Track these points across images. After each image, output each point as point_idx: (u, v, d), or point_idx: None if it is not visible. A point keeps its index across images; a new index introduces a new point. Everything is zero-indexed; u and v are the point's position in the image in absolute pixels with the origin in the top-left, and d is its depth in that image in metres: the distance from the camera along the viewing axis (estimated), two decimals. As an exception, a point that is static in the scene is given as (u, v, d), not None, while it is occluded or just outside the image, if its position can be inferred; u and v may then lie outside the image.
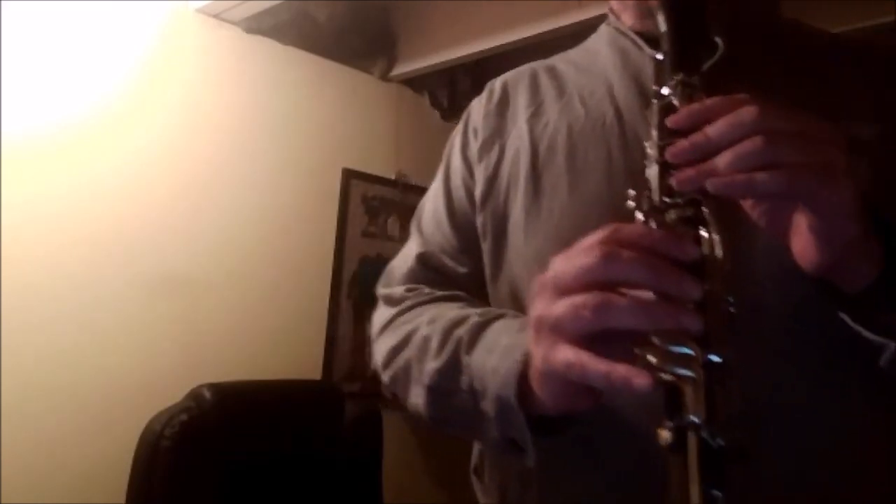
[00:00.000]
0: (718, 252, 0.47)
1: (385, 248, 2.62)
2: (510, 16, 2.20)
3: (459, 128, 0.84)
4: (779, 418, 0.57)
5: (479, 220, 0.76)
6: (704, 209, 0.48)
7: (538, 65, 0.83)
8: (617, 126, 0.69)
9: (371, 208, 2.59)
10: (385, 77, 2.64)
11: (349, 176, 2.53)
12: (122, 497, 1.64)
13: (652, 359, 0.44)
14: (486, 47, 2.29)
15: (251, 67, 2.31)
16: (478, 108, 0.82)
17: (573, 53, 0.82)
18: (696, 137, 0.48)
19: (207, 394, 1.73)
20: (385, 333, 0.77)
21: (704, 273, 0.46)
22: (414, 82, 2.73)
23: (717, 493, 0.42)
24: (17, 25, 1.85)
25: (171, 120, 2.11)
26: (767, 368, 0.57)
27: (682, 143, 0.49)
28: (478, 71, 2.83)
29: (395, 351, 0.73)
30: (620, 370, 0.44)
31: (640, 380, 0.43)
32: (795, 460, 0.57)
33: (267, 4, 2.15)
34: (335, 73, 2.52)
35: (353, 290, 2.51)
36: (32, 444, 1.82)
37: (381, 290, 0.84)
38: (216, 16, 2.21)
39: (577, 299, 0.46)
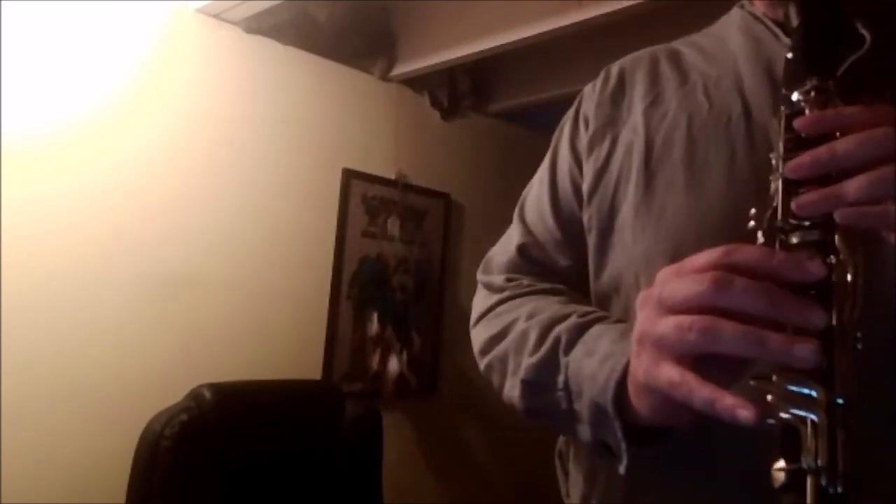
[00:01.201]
0: (849, 281, 0.42)
1: (385, 248, 2.62)
2: (510, 16, 2.20)
3: (570, 114, 0.79)
4: (891, 467, 0.51)
5: (585, 215, 0.72)
6: (835, 234, 0.43)
7: (660, 49, 0.76)
8: (744, 123, 0.63)
9: (371, 208, 2.59)
10: (385, 77, 2.64)
11: (349, 176, 2.53)
12: (122, 497, 1.64)
13: (769, 396, 0.42)
14: (486, 47, 2.29)
15: (251, 67, 2.31)
16: (590, 95, 0.77)
17: (699, 37, 0.75)
18: (821, 152, 0.44)
19: (207, 394, 1.73)
20: (483, 322, 0.76)
21: (831, 302, 0.42)
22: (414, 82, 2.73)
23: None
24: (17, 25, 1.85)
25: (171, 120, 2.11)
26: (887, 412, 0.52)
27: (804, 158, 0.44)
28: (478, 71, 2.84)
29: (494, 341, 0.72)
30: (727, 399, 0.42)
31: (746, 412, 0.41)
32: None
33: (267, 4, 2.15)
34: (335, 73, 2.52)
35: (353, 290, 2.51)
36: (32, 444, 1.82)
37: (481, 277, 0.82)
38: (216, 16, 2.21)
39: (684, 320, 0.44)
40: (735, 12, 0.73)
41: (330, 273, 2.46)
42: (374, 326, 2.55)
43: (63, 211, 1.91)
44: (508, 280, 0.77)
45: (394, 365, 2.56)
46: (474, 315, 0.79)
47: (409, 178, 2.68)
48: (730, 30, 0.71)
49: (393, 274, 2.63)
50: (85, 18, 1.97)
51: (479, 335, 0.76)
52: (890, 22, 0.58)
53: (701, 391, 0.43)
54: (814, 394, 0.41)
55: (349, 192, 2.52)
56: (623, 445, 0.54)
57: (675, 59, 0.73)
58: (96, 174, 1.97)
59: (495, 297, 0.76)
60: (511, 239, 0.81)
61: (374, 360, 2.54)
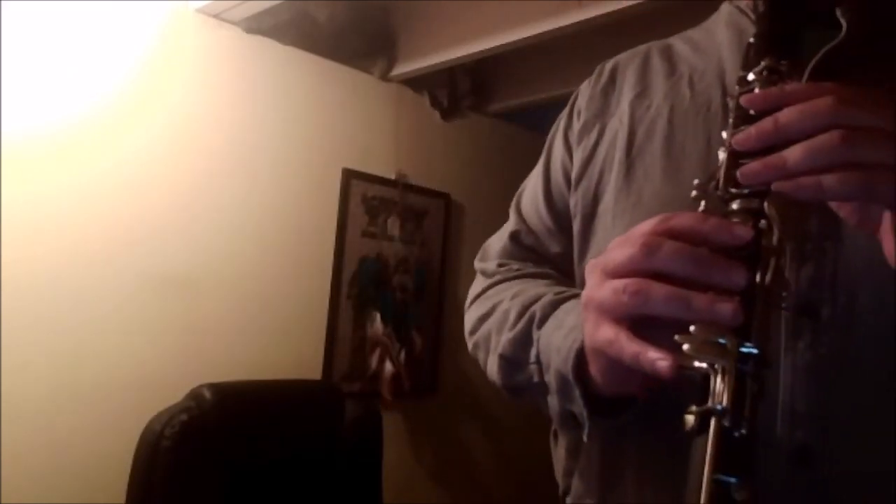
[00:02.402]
0: (774, 242, 0.45)
1: (385, 248, 2.62)
2: (510, 16, 2.20)
3: (566, 109, 0.83)
4: (861, 426, 0.54)
5: (571, 201, 0.76)
6: (767, 202, 0.46)
7: (655, 44, 0.79)
8: (722, 112, 0.64)
9: (371, 208, 2.59)
10: (385, 77, 2.64)
11: (349, 176, 2.53)
12: (122, 497, 1.64)
13: (687, 347, 0.45)
14: (486, 47, 2.29)
15: (251, 67, 2.31)
16: (585, 90, 0.80)
17: (692, 32, 0.78)
18: (764, 124, 0.45)
19: (207, 394, 1.73)
20: (475, 304, 0.80)
21: (757, 264, 0.45)
22: (414, 82, 2.73)
23: (730, 479, 0.42)
24: (17, 25, 1.85)
25: (171, 120, 2.11)
26: (854, 375, 0.55)
27: (749, 131, 0.46)
28: (478, 71, 2.84)
29: (481, 321, 0.76)
30: (650, 352, 0.45)
31: (664, 363, 0.44)
32: (858, 474, 0.54)
33: (267, 4, 2.15)
34: (335, 73, 2.52)
35: (353, 290, 2.51)
36: (32, 444, 1.82)
37: (477, 264, 0.87)
38: (216, 16, 2.21)
39: (619, 283, 0.47)
40: (724, 7, 0.75)
41: (330, 273, 2.46)
42: (374, 326, 2.55)
43: (63, 211, 1.91)
44: (500, 265, 0.81)
45: (394, 367, 2.56)
46: (469, 299, 0.83)
47: (409, 178, 2.68)
48: (718, 24, 0.74)
49: (393, 274, 2.63)
50: (85, 18, 1.97)
51: (470, 317, 0.80)
52: (869, 13, 0.59)
53: (629, 347, 0.46)
54: (724, 342, 0.44)
55: (349, 192, 2.52)
56: (585, 413, 0.57)
57: (667, 53, 0.76)
58: (96, 174, 1.97)
59: (487, 282, 0.80)
60: (506, 228, 0.85)
61: (374, 360, 2.54)
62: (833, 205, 0.48)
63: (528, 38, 2.17)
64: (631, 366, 0.47)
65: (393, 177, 2.65)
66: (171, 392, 1.79)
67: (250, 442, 1.77)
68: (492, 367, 0.72)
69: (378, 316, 2.55)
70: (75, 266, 1.92)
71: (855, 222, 0.48)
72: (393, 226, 2.65)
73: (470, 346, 0.79)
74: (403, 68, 2.60)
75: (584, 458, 0.70)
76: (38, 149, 1.88)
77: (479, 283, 0.82)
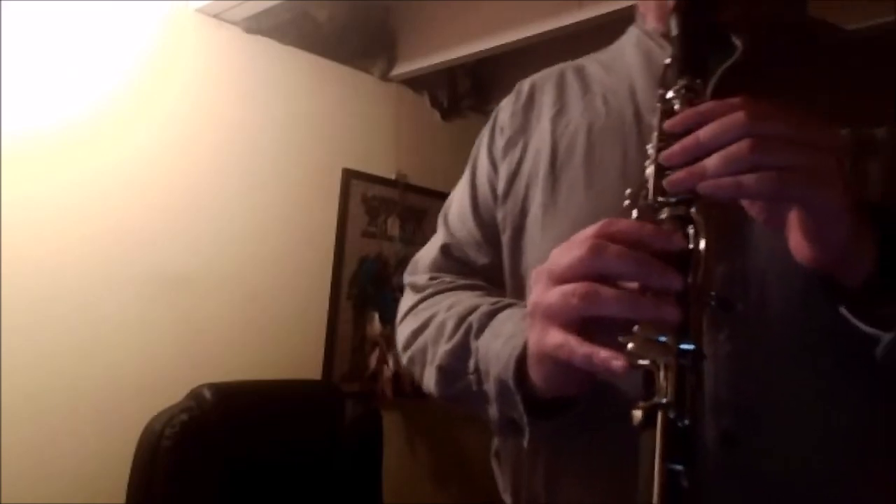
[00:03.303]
0: (702, 247, 0.49)
1: (385, 248, 2.62)
2: (510, 16, 2.20)
3: (487, 126, 0.87)
4: (771, 411, 0.58)
5: (499, 214, 0.79)
6: (693, 209, 0.50)
7: (567, 65, 0.84)
8: (635, 126, 0.70)
9: (371, 208, 2.59)
10: (385, 77, 2.64)
11: (349, 176, 2.53)
12: (122, 497, 1.64)
13: (631, 346, 0.48)
14: (486, 47, 2.29)
15: (251, 67, 2.31)
16: (506, 108, 0.85)
17: (601, 54, 0.84)
18: (688, 141, 0.51)
19: (207, 394, 1.73)
20: (408, 318, 0.82)
21: (688, 266, 0.49)
22: (414, 82, 2.73)
23: (679, 467, 0.45)
24: (17, 25, 1.85)
25: (171, 120, 2.11)
26: (766, 361, 0.59)
27: (674, 148, 0.51)
28: (478, 71, 2.84)
29: (415, 334, 0.78)
30: (602, 353, 0.48)
31: (617, 363, 0.47)
32: (783, 454, 0.58)
33: (267, 4, 2.15)
34: (335, 73, 2.52)
35: (353, 290, 2.51)
36: (32, 444, 1.82)
37: (407, 278, 0.89)
38: (216, 16, 2.21)
39: (567, 288, 0.51)
40: (631, 30, 0.82)
41: (330, 273, 2.46)
42: (374, 326, 2.55)
43: (63, 211, 1.91)
44: (432, 278, 0.83)
45: (393, 366, 2.56)
46: (400, 313, 0.85)
47: (409, 178, 2.68)
48: (626, 46, 0.80)
49: (393, 274, 2.63)
50: (85, 18, 1.97)
51: (402, 332, 0.82)
52: (761, 32, 0.67)
53: (580, 349, 0.50)
54: (665, 340, 0.47)
55: (349, 192, 2.52)
56: (525, 418, 0.60)
57: (580, 73, 0.81)
58: (97, 174, 1.97)
59: (419, 296, 0.82)
60: (436, 241, 0.87)
61: (374, 360, 2.54)
62: (745, 205, 0.53)
63: (528, 38, 2.17)
64: (582, 367, 0.50)
65: (393, 177, 2.65)
66: (171, 392, 1.79)
67: (250, 442, 1.77)
68: (429, 379, 0.74)
69: (377, 316, 2.55)
70: (75, 266, 1.92)
71: (763, 220, 0.53)
72: (393, 226, 2.65)
73: (404, 360, 0.81)
74: (403, 68, 2.60)
75: (525, 472, 0.72)
76: (38, 149, 1.88)
77: (409, 298, 0.84)
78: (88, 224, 1.95)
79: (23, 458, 1.79)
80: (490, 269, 0.80)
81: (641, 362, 0.47)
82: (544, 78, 0.84)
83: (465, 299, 0.75)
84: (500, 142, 0.82)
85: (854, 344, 0.55)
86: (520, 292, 0.75)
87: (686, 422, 0.46)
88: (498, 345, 0.63)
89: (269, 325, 2.29)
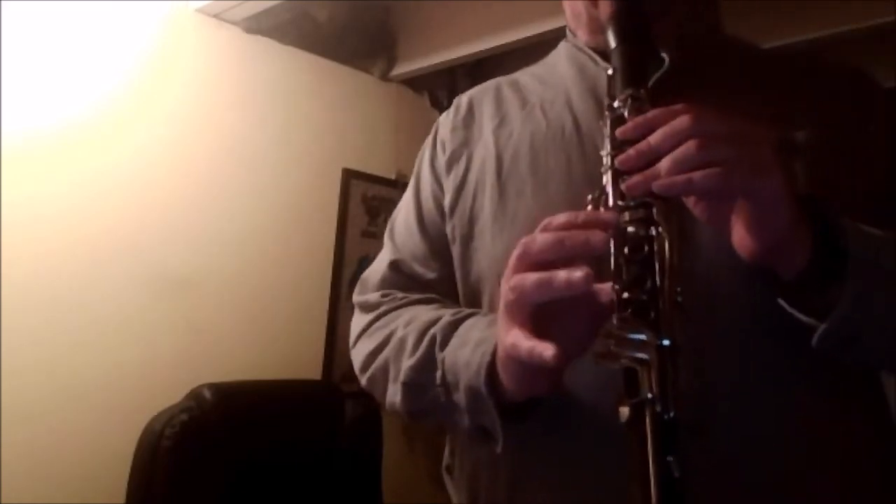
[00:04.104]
0: (666, 248, 0.52)
1: (385, 248, 2.62)
2: (510, 16, 2.20)
3: (428, 141, 0.89)
4: (728, 399, 0.61)
5: (448, 227, 0.81)
6: (654, 210, 0.54)
7: (502, 79, 0.88)
8: (575, 135, 0.74)
9: (371, 208, 2.59)
10: (385, 77, 2.64)
11: (349, 176, 2.53)
12: (122, 497, 1.64)
13: (612, 346, 0.50)
14: (486, 47, 2.29)
15: (251, 67, 2.31)
16: (445, 123, 0.87)
17: (535, 67, 0.89)
18: (641, 146, 0.55)
19: (207, 394, 1.73)
20: (363, 339, 0.81)
21: (654, 266, 0.52)
22: (414, 82, 2.73)
23: (670, 458, 0.47)
24: (17, 25, 1.85)
25: (171, 120, 2.11)
26: (718, 353, 0.62)
27: (630, 153, 0.55)
28: (478, 71, 2.84)
29: (374, 354, 0.77)
30: (538, 346, 0.52)
31: (549, 354, 0.51)
32: (744, 437, 0.61)
33: (267, 4, 2.15)
34: (335, 73, 2.52)
35: (353, 290, 2.51)
36: (32, 444, 1.82)
37: (356, 298, 0.89)
38: (216, 16, 2.21)
39: (505, 286, 0.55)
40: (562, 45, 0.86)
41: (330, 273, 2.46)
42: (373, 326, 2.55)
43: (63, 211, 1.91)
44: (383, 296, 0.84)
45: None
46: (353, 335, 0.84)
47: (408, 178, 2.67)
48: (559, 60, 0.84)
49: (393, 274, 2.63)
50: (85, 18, 1.97)
51: (359, 353, 0.81)
52: (686, 47, 0.72)
53: (524, 344, 0.53)
54: (644, 338, 0.50)
55: (349, 192, 2.52)
56: (497, 423, 0.61)
57: (515, 86, 0.85)
58: (96, 174, 1.97)
59: (372, 314, 0.82)
60: (383, 258, 0.89)
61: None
62: (689, 205, 0.58)
63: (528, 38, 2.17)
64: (527, 362, 0.53)
65: (393, 177, 2.65)
66: (171, 392, 1.79)
67: (250, 442, 1.77)
68: (393, 397, 0.74)
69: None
70: (75, 266, 1.92)
71: (706, 218, 0.58)
72: (393, 226, 2.64)
73: (364, 381, 0.80)
74: (403, 68, 2.60)
75: (485, 478, 0.72)
76: (38, 149, 1.88)
77: (361, 318, 0.84)
78: (88, 224, 1.95)
79: (23, 458, 1.79)
80: (440, 283, 0.82)
81: (623, 361, 0.50)
82: (481, 92, 0.87)
83: (423, 313, 0.75)
84: (442, 157, 0.84)
85: (798, 332, 0.58)
86: (473, 301, 0.77)
87: (671, 414, 0.48)
88: (466, 353, 0.64)
89: (269, 326, 2.29)
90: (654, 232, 0.53)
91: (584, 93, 0.76)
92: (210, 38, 2.21)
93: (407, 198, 0.91)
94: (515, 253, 0.55)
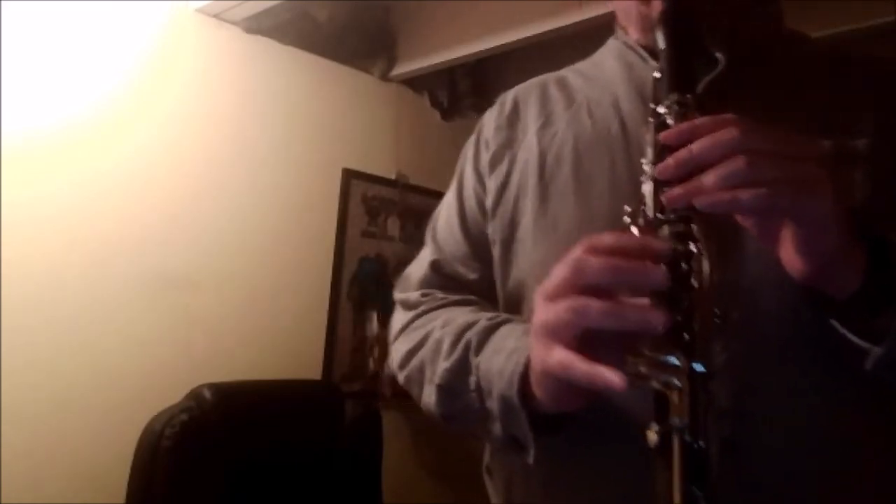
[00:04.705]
0: (705, 266, 0.50)
1: (385, 248, 2.62)
2: (510, 16, 2.20)
3: (472, 140, 0.87)
4: (775, 415, 0.60)
5: (489, 228, 0.79)
6: (694, 225, 0.51)
7: (548, 77, 0.85)
8: (621, 137, 0.71)
9: (371, 208, 2.59)
10: (385, 77, 2.64)
11: (349, 176, 2.53)
12: (122, 497, 1.64)
13: (642, 368, 0.48)
14: (486, 47, 2.29)
15: (251, 67, 2.31)
16: (489, 122, 0.85)
17: (582, 65, 0.85)
18: (681, 155, 0.52)
19: (207, 394, 1.73)
20: (402, 337, 0.81)
21: (690, 286, 0.50)
22: (414, 82, 2.73)
23: (697, 491, 0.45)
24: (17, 25, 1.85)
25: (171, 120, 2.11)
26: (762, 371, 0.60)
27: (668, 161, 0.52)
28: (478, 71, 2.84)
29: (411, 353, 0.77)
30: (601, 371, 0.49)
31: (616, 380, 0.48)
32: (780, 458, 0.59)
33: (267, 4, 2.15)
34: (335, 73, 2.52)
35: (353, 290, 2.51)
36: (32, 445, 1.82)
37: (397, 295, 0.88)
38: (216, 16, 2.21)
39: (560, 305, 0.52)
40: (611, 42, 0.83)
41: (330, 273, 2.46)
42: (374, 326, 2.55)
43: (63, 211, 1.91)
44: (423, 295, 0.83)
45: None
46: (393, 332, 0.84)
47: (409, 178, 2.68)
48: (607, 57, 0.81)
49: (393, 274, 2.63)
50: (85, 18, 1.97)
51: (398, 350, 0.81)
52: (743, 46, 0.69)
53: (580, 367, 0.50)
54: (677, 362, 0.47)
55: (349, 192, 2.52)
56: (530, 435, 0.60)
57: (562, 84, 0.82)
58: (96, 174, 1.97)
59: (412, 313, 0.82)
60: (424, 257, 0.88)
61: (374, 360, 2.54)
62: (739, 219, 0.54)
63: (528, 38, 2.17)
64: (584, 385, 0.51)
65: (393, 177, 2.65)
66: (171, 392, 1.79)
67: (250, 442, 1.77)
68: (428, 398, 0.73)
69: (375, 315, 2.55)
70: (75, 266, 1.92)
71: (757, 234, 0.55)
72: (393, 226, 2.65)
73: (401, 379, 0.81)
74: (403, 68, 2.60)
75: (519, 486, 0.72)
76: (38, 149, 1.88)
77: (402, 316, 0.84)
78: (88, 224, 1.95)
79: (23, 458, 1.79)
80: (480, 284, 0.81)
81: (654, 385, 0.48)
82: (527, 90, 0.85)
83: (460, 315, 0.74)
84: (485, 156, 0.82)
85: (846, 352, 0.56)
86: (512, 305, 0.76)
87: (701, 444, 0.46)
88: (500, 361, 0.63)
89: (269, 325, 2.29)
90: (692, 248, 0.51)
91: (632, 93, 0.74)
92: (210, 38, 2.21)
93: (449, 197, 0.89)
94: (565, 272, 0.52)
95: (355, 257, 2.53)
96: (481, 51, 2.31)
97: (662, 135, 0.54)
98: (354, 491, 1.94)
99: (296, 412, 1.93)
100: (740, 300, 0.60)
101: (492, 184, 0.80)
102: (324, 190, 2.47)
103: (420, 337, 0.76)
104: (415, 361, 0.76)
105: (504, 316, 0.72)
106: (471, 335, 0.69)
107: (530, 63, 2.69)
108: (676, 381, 0.47)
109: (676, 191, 0.51)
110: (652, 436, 0.47)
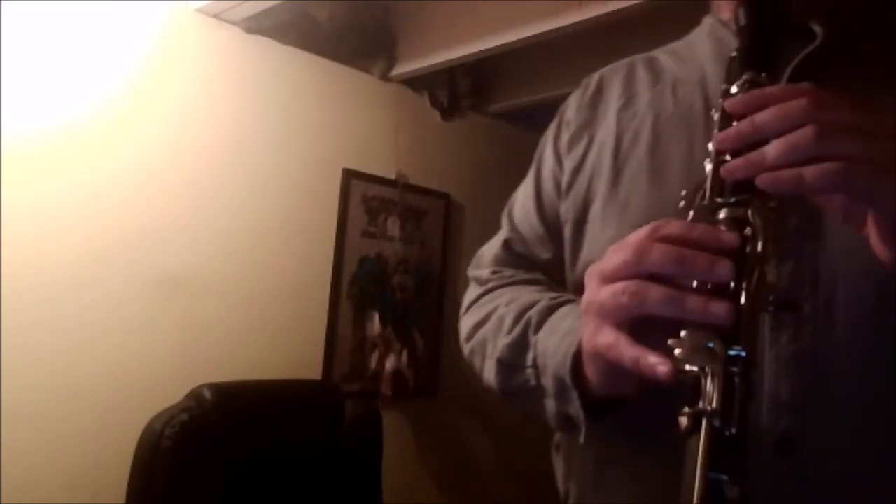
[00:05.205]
0: (759, 250, 0.47)
1: (385, 248, 2.62)
2: (510, 16, 2.20)
3: (555, 121, 0.85)
4: (840, 413, 0.56)
5: (562, 208, 0.78)
6: (750, 211, 0.48)
7: (639, 57, 0.82)
8: (703, 117, 0.67)
9: (371, 208, 2.59)
10: (385, 77, 2.64)
11: (349, 176, 2.53)
12: (122, 497, 1.64)
13: (678, 351, 0.47)
14: (486, 47, 2.29)
15: (251, 67, 2.31)
16: (573, 102, 0.83)
17: (675, 44, 0.81)
18: (743, 125, 0.48)
19: (207, 394, 1.73)
20: (470, 311, 0.82)
21: (743, 269, 0.47)
22: (414, 82, 2.73)
23: (723, 476, 0.43)
24: (17, 25, 1.85)
25: (171, 120, 2.11)
26: (834, 365, 0.57)
27: (728, 131, 0.49)
28: (478, 71, 2.84)
29: (476, 328, 0.78)
30: (650, 357, 0.47)
31: (663, 367, 0.46)
32: (852, 456, 0.56)
33: (267, 4, 2.15)
34: (335, 73, 2.52)
35: (353, 290, 2.51)
36: (32, 445, 1.82)
37: (470, 272, 0.89)
38: (216, 16, 2.21)
39: (618, 286, 0.49)
40: (706, 20, 0.79)
41: (330, 273, 2.46)
42: (374, 326, 2.55)
43: (63, 211, 1.91)
44: (494, 272, 0.84)
45: (393, 365, 2.56)
46: (463, 306, 0.85)
47: (409, 178, 2.68)
48: (700, 36, 0.78)
49: (393, 274, 2.63)
50: (85, 18, 1.97)
51: (465, 324, 0.82)
52: (840, 20, 0.63)
53: (629, 351, 0.49)
54: (712, 346, 0.45)
55: (349, 192, 2.52)
56: (581, 414, 0.59)
57: (651, 64, 0.79)
58: (96, 174, 1.97)
59: (481, 289, 0.83)
60: (499, 236, 0.87)
61: (374, 360, 2.54)
62: (821, 202, 0.49)
63: (528, 38, 2.16)
64: (630, 369, 0.49)
65: (393, 177, 2.65)
66: (171, 392, 1.79)
67: (250, 442, 1.77)
68: (489, 372, 0.74)
69: (376, 316, 2.55)
70: (75, 266, 1.92)
71: (842, 219, 0.49)
72: (393, 226, 2.65)
73: (465, 352, 0.81)
74: (403, 68, 2.60)
75: (577, 462, 0.73)
76: (38, 149, 1.88)
77: (473, 291, 0.85)
78: (88, 224, 1.95)
79: (23, 458, 1.79)
80: (552, 264, 0.80)
81: (688, 368, 0.46)
82: (614, 70, 0.82)
83: (525, 294, 0.75)
84: (565, 136, 0.80)
85: None
86: (580, 286, 0.72)
87: (733, 430, 0.44)
88: (555, 341, 0.63)
89: (269, 326, 2.29)
90: (748, 232, 0.47)
91: (721, 71, 0.67)
92: (210, 38, 2.21)
93: (528, 178, 0.87)
94: (626, 255, 0.49)
95: (355, 257, 2.53)
96: (481, 51, 2.31)
97: (727, 102, 0.51)
98: (354, 491, 1.94)
99: (296, 412, 1.93)
100: (815, 291, 0.56)
101: (569, 163, 0.78)
102: (324, 190, 2.47)
103: (486, 312, 0.77)
104: (479, 335, 0.77)
105: (567, 297, 0.71)
106: (532, 313, 0.69)
107: (530, 63, 2.70)
108: (710, 366, 0.45)
109: (737, 162, 0.47)
110: (683, 420, 0.46)
